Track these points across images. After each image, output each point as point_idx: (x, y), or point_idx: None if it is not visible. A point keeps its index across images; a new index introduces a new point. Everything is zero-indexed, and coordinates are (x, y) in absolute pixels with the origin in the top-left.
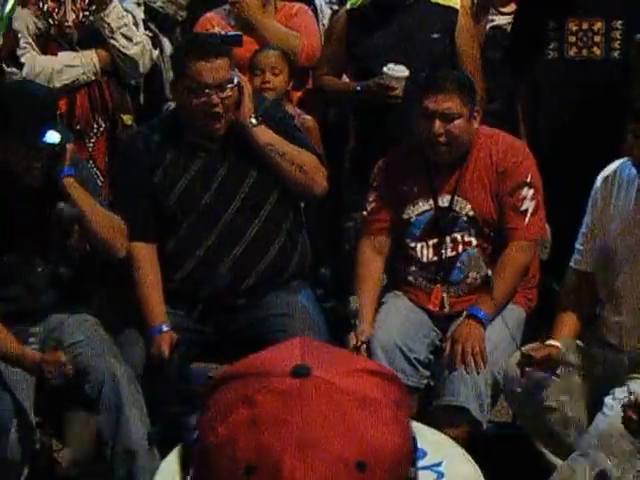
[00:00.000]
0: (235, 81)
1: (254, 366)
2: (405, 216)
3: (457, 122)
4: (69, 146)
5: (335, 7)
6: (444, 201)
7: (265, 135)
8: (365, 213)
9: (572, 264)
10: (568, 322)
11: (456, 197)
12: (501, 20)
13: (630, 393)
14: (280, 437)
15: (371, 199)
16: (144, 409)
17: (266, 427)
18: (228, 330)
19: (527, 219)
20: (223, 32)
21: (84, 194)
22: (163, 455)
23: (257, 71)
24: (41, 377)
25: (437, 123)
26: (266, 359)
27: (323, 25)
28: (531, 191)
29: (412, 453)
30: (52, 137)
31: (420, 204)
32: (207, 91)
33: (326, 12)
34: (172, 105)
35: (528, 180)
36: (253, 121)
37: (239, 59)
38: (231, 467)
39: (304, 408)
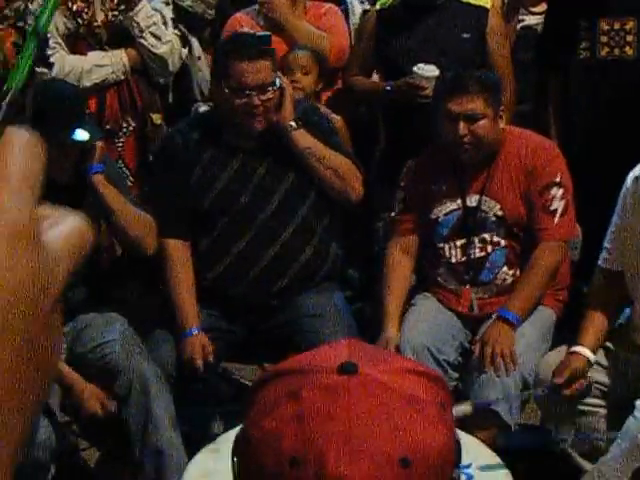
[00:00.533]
0: (277, 83)
1: (301, 363)
2: (433, 216)
3: (482, 122)
4: (98, 143)
5: (366, 6)
6: (472, 201)
7: (304, 139)
8: (393, 214)
9: (600, 263)
10: (596, 322)
11: (484, 197)
12: (531, 20)
13: None
14: (325, 431)
15: (400, 200)
16: (173, 409)
17: (311, 421)
18: (259, 330)
19: (557, 219)
20: (252, 32)
21: (113, 191)
22: (192, 454)
23: (287, 71)
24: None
25: (461, 125)
26: (313, 357)
27: (354, 24)
28: (561, 191)
29: (456, 454)
30: (81, 135)
31: (448, 204)
32: (248, 92)
33: (357, 11)
34: (202, 105)
35: (558, 180)
36: (293, 124)
37: None
38: (276, 460)
39: (350, 403)
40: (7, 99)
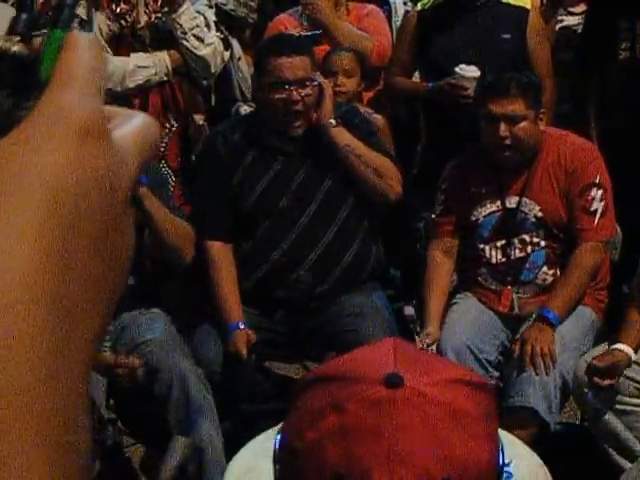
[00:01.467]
0: (316, 80)
1: (345, 370)
2: (473, 217)
3: (522, 124)
4: None
5: (409, 7)
6: (512, 202)
7: (344, 136)
8: (434, 215)
9: None
10: (636, 322)
11: (524, 198)
12: (571, 20)
13: None
14: (370, 448)
15: (440, 201)
16: (213, 408)
17: (356, 437)
18: (301, 329)
19: (597, 220)
20: (301, 32)
21: (156, 203)
22: (234, 452)
23: (330, 73)
24: (113, 379)
25: (502, 126)
26: (357, 363)
27: (397, 24)
28: (600, 192)
29: (498, 467)
30: None
31: (488, 205)
32: (287, 87)
33: (400, 12)
34: (242, 105)
35: (597, 181)
36: (332, 122)
37: None
38: (318, 473)
39: (395, 420)
40: (69, 2)
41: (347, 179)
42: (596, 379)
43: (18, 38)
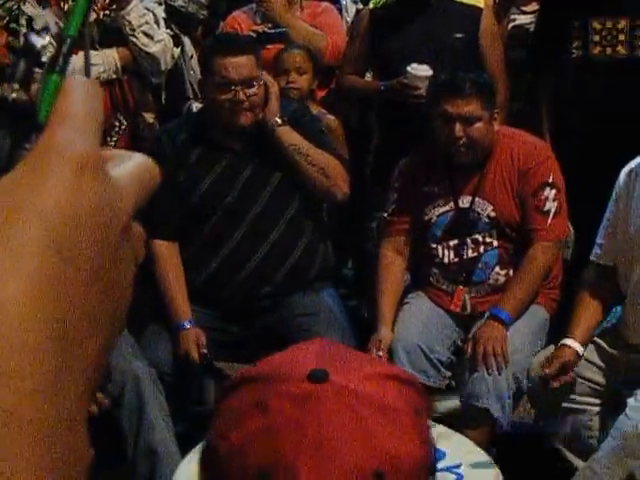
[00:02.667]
0: (262, 79)
1: (268, 370)
2: (426, 217)
3: (477, 125)
4: None
5: (360, 6)
6: (465, 202)
7: (289, 136)
8: (386, 214)
9: (592, 258)
10: (586, 316)
11: (477, 198)
12: (523, 19)
13: None
14: (295, 443)
15: (392, 200)
16: (166, 409)
17: (280, 433)
18: (252, 329)
19: (550, 220)
20: (265, 29)
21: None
22: (187, 453)
23: (282, 71)
24: None
25: (457, 126)
26: (281, 362)
27: (347, 22)
28: (553, 191)
29: (431, 462)
30: None
31: (441, 205)
32: (233, 87)
33: (351, 10)
34: (194, 104)
35: (550, 180)
36: (278, 121)
37: (263, 59)
38: (243, 475)
39: (320, 414)
40: (64, 49)
41: (294, 177)
42: (552, 384)
43: (17, 85)
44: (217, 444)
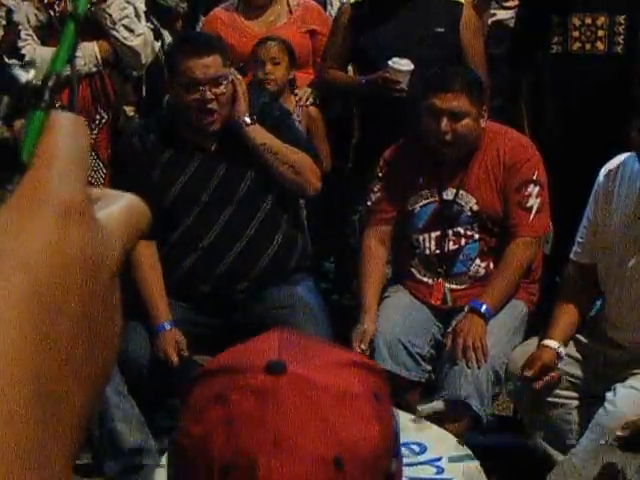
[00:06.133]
0: (229, 78)
1: (229, 362)
2: (409, 207)
3: (465, 121)
4: None
5: (344, 0)
6: (449, 194)
7: (258, 134)
8: (369, 203)
9: (572, 256)
10: (566, 314)
11: (461, 191)
12: (503, 14)
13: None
14: (255, 436)
15: (376, 189)
16: (137, 413)
17: (241, 426)
18: (231, 323)
19: (532, 216)
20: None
21: None
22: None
23: (258, 64)
24: None
25: (444, 121)
26: (241, 354)
27: (331, 16)
28: (537, 188)
29: (393, 446)
30: None
31: (424, 196)
32: (200, 87)
33: (335, 5)
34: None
35: (534, 177)
36: (247, 120)
37: (242, 52)
38: (206, 468)
39: (279, 406)
40: (50, 84)
41: (268, 173)
42: (534, 385)
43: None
44: (181, 439)
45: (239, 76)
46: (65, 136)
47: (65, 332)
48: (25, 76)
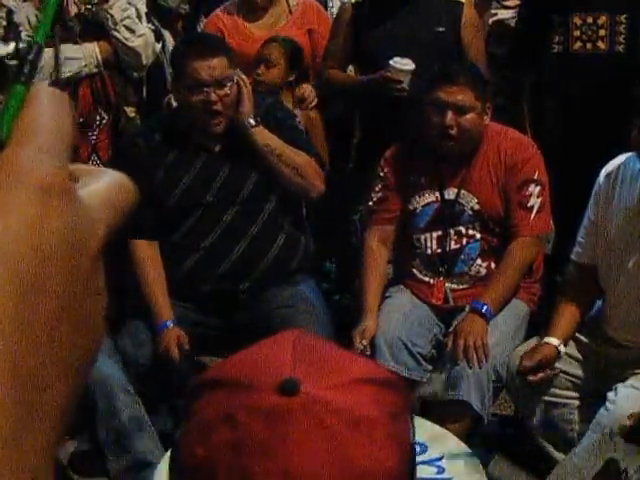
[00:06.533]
0: (234, 79)
1: (238, 373)
2: (410, 207)
3: (469, 116)
4: None
5: None
6: (450, 194)
7: (263, 136)
8: (371, 203)
9: (573, 257)
10: (567, 314)
11: (462, 190)
12: (504, 14)
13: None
14: (264, 466)
15: (377, 189)
16: (142, 413)
17: (249, 453)
18: (233, 323)
19: (533, 215)
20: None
21: None
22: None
23: (257, 62)
24: None
25: (449, 115)
26: (252, 364)
27: (332, 15)
28: (538, 188)
29: (409, 467)
30: None
31: (426, 195)
32: (205, 89)
33: (336, 3)
34: (171, 97)
35: (535, 177)
36: (252, 122)
37: (244, 55)
38: None
39: (291, 434)
40: (31, 56)
41: (272, 174)
42: (530, 378)
43: None
44: (183, 458)
45: (244, 77)
46: (46, 110)
47: (46, 315)
48: (4, 49)
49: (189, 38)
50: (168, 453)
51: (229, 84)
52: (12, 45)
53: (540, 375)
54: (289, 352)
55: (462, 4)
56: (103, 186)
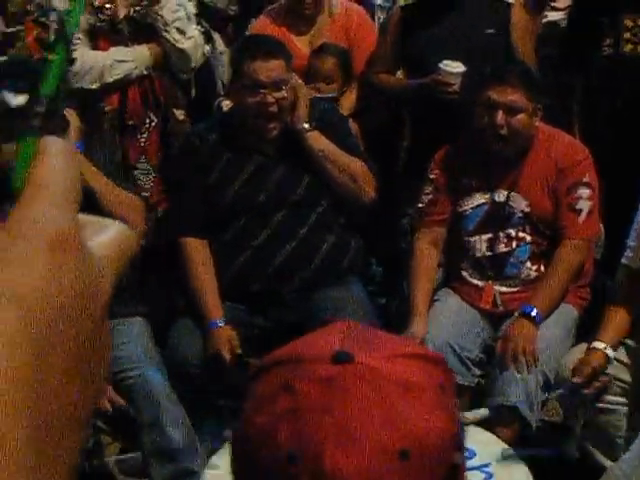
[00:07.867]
0: (291, 83)
1: (294, 352)
2: (460, 209)
3: (520, 116)
4: (75, 124)
5: (389, 3)
6: (500, 196)
7: (318, 141)
8: (421, 205)
9: (624, 261)
10: (616, 319)
11: (513, 193)
12: (555, 16)
13: None
14: (321, 426)
15: (427, 191)
16: (185, 424)
17: (307, 416)
18: (281, 324)
19: (582, 218)
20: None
21: (94, 171)
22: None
23: (310, 77)
24: None
25: (500, 114)
26: (307, 344)
27: (379, 18)
28: (588, 191)
29: (457, 438)
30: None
31: (476, 197)
32: (262, 90)
33: (385, 14)
34: (224, 101)
35: (586, 180)
36: (306, 126)
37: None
38: (272, 457)
39: (345, 396)
40: (39, 109)
41: (323, 179)
42: (584, 391)
43: None
44: (245, 429)
45: (301, 81)
46: (54, 164)
47: (59, 373)
48: (15, 100)
49: (251, 38)
50: (218, 453)
51: (286, 87)
52: (23, 97)
53: (595, 386)
54: (341, 333)
55: (511, 5)
56: (110, 239)
